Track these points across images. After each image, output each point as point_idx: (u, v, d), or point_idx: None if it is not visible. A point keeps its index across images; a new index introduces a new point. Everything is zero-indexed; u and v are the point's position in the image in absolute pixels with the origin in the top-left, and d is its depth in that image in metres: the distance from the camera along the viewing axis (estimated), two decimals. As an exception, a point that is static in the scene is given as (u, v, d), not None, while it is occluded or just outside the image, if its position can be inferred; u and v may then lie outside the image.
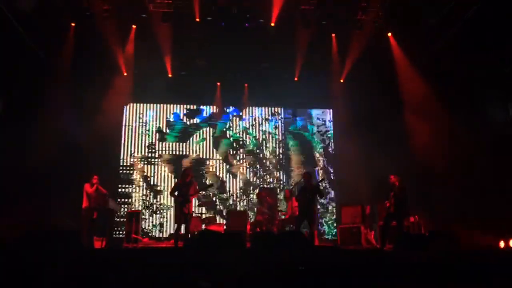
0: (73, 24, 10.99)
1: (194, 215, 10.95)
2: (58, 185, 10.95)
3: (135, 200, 13.14)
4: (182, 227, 9.21)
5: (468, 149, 10.44)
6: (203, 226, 10.88)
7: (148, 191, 13.26)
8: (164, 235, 12.78)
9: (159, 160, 13.57)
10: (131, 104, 13.84)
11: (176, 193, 9.28)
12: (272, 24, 10.80)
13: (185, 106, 14.07)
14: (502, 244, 9.13)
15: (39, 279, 3.44)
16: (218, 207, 13.06)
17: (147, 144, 13.67)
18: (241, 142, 13.97)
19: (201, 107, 14.11)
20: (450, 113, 11.07)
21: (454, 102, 11.05)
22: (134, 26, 11.33)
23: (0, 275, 3.12)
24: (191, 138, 13.85)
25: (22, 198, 10.21)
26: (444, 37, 10.88)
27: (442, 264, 5.98)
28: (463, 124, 10.72)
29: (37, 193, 10.60)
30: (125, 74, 12.56)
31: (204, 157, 13.73)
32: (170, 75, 12.70)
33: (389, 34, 11.63)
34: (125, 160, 13.47)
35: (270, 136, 14.11)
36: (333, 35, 11.75)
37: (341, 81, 13.00)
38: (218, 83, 13.63)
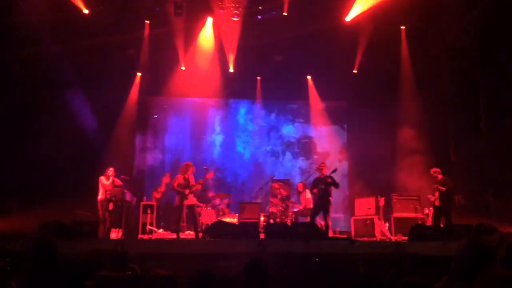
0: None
1: (208, 208, 11.05)
2: (75, 178, 11.12)
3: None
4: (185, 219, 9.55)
5: (487, 140, 10.35)
6: (217, 219, 10.94)
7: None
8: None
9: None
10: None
11: (177, 187, 9.60)
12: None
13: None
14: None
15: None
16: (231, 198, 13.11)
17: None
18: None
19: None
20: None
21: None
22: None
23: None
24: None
25: (40, 192, 10.43)
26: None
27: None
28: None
29: (55, 186, 10.78)
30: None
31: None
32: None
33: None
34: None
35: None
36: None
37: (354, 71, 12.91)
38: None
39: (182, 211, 9.75)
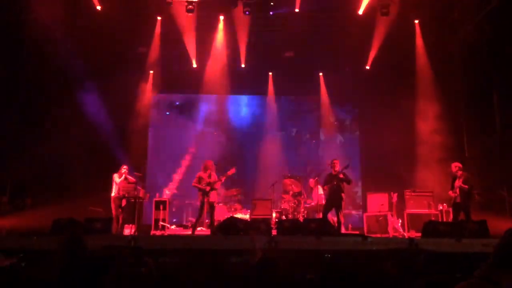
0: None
1: (220, 204, 11.10)
2: (88, 175, 11.25)
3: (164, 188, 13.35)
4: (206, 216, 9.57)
5: (499, 136, 10.22)
6: (229, 215, 10.98)
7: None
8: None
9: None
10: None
11: (198, 184, 9.65)
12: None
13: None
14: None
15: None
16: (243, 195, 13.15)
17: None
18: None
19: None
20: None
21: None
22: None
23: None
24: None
25: (54, 190, 10.56)
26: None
27: (471, 253, 5.89)
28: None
29: (68, 183, 10.93)
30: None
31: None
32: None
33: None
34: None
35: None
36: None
37: (367, 67, 12.82)
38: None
39: (204, 208, 9.75)
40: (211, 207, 9.77)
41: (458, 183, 9.09)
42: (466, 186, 9.01)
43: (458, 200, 9.10)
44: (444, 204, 10.33)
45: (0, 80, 10.10)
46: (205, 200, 9.63)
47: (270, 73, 13.70)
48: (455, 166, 9.27)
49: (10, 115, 10.45)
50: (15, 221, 9.00)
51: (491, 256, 2.32)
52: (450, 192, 9.27)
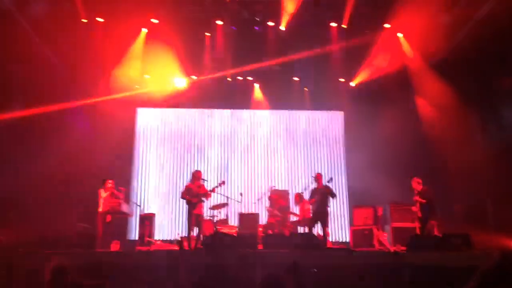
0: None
1: (206, 217, 11.00)
2: (74, 190, 11.13)
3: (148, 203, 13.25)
4: (195, 229, 9.36)
5: (486, 149, 10.39)
6: (215, 229, 10.91)
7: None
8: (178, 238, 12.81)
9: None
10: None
11: (187, 196, 9.42)
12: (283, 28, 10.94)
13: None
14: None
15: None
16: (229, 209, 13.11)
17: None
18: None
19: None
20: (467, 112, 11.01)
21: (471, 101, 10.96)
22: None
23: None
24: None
25: (40, 204, 10.43)
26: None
27: (455, 267, 5.97)
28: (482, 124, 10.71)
29: (54, 198, 10.79)
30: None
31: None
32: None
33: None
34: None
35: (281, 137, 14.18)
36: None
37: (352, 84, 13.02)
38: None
39: (191, 220, 9.39)
40: (198, 220, 9.45)
41: (416, 197, 9.40)
42: (424, 201, 9.30)
43: (419, 214, 9.36)
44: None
45: None
46: (193, 212, 9.31)
47: (256, 85, 13.76)
48: (415, 181, 9.54)
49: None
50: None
51: (473, 279, 2.33)
52: (413, 207, 9.56)
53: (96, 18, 10.87)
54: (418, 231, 9.53)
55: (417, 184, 9.52)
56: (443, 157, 11.65)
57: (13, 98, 10.81)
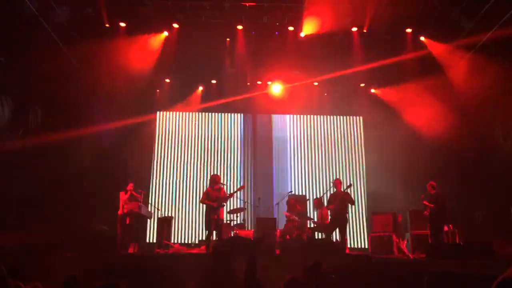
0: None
1: (224, 221, 11.04)
2: (95, 192, 11.29)
3: (168, 206, 13.36)
4: (214, 233, 9.37)
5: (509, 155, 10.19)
6: (233, 233, 10.93)
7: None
8: (195, 241, 12.88)
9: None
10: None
11: (206, 200, 9.44)
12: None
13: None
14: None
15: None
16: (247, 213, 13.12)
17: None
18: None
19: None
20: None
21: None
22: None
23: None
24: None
25: (60, 206, 10.60)
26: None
27: (476, 275, 5.85)
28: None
29: (76, 200, 10.96)
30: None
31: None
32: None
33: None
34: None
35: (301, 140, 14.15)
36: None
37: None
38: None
39: (211, 225, 9.32)
40: (219, 224, 9.39)
41: (425, 201, 9.44)
42: (432, 205, 9.28)
43: (429, 219, 9.36)
44: (451, 225, 10.27)
45: None
46: (213, 217, 9.26)
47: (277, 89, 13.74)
48: (429, 185, 9.55)
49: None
50: (22, 236, 9.00)
51: None
52: (425, 212, 9.55)
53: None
54: (429, 238, 9.45)
55: (431, 188, 9.50)
56: (465, 163, 11.46)
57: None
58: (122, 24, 11.03)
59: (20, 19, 9.64)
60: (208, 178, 11.64)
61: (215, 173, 11.29)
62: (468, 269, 6.44)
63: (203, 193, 9.80)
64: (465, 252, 7.62)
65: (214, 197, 9.40)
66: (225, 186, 10.05)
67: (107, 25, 10.92)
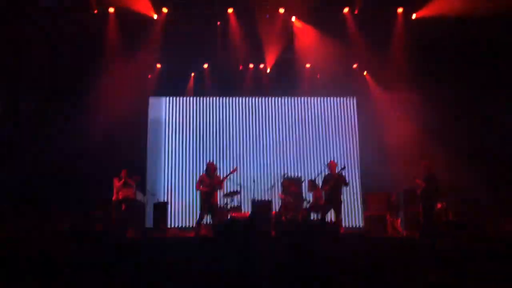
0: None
1: (220, 205, 11.13)
2: (89, 180, 11.26)
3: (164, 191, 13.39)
4: (208, 217, 9.66)
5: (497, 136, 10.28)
6: (229, 216, 11.01)
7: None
8: (191, 225, 12.95)
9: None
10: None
11: (201, 186, 9.73)
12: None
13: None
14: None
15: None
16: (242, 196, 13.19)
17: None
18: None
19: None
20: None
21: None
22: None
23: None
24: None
25: (55, 195, 10.60)
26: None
27: (467, 251, 5.96)
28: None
29: (70, 188, 10.95)
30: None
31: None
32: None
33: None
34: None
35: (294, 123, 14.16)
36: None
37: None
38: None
39: (206, 210, 9.94)
40: (213, 208, 9.93)
41: (417, 180, 9.57)
42: (423, 185, 9.45)
43: (420, 197, 9.55)
44: (444, 203, 10.38)
45: None
46: (207, 202, 9.79)
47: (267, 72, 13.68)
48: (423, 165, 9.68)
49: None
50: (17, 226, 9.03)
51: None
52: (418, 190, 9.72)
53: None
54: (420, 216, 9.58)
55: (424, 168, 9.58)
56: (458, 142, 11.51)
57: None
58: (111, 10, 10.88)
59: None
60: (203, 162, 11.81)
61: (209, 160, 11.43)
62: (461, 247, 6.55)
63: (198, 180, 10.10)
64: (458, 230, 7.74)
65: (208, 183, 9.85)
66: (218, 172, 10.29)
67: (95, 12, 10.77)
